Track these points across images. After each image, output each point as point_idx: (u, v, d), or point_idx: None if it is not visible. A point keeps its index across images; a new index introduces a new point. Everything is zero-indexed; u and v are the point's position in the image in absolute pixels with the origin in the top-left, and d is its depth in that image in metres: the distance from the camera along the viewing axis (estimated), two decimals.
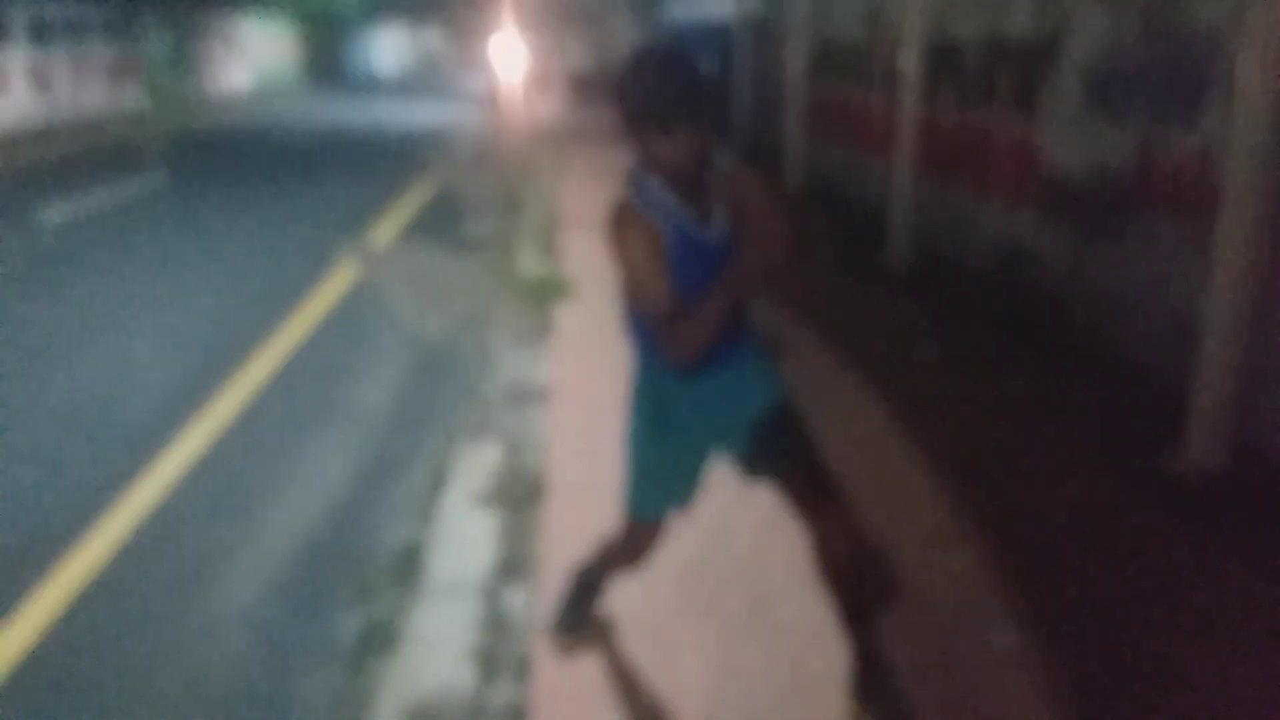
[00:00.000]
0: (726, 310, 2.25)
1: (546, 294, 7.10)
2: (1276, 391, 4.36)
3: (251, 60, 31.95)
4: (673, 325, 2.28)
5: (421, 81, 44.70)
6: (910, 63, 7.92)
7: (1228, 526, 3.81)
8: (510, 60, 18.72)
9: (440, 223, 10.44)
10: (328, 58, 40.95)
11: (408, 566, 3.64)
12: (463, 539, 3.72)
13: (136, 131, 19.80)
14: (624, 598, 3.18)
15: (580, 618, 3.05)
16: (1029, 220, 6.85)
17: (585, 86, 35.56)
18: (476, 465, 4.35)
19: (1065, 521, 3.90)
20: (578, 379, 5.46)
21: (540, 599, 3.28)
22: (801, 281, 7.80)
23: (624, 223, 2.31)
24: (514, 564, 3.51)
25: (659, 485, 2.65)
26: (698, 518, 2.89)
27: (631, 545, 2.79)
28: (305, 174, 14.25)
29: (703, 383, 2.48)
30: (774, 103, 14.62)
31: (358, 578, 3.65)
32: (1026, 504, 4.05)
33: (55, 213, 10.74)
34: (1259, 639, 3.15)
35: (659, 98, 2.18)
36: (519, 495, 4.01)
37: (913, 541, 3.71)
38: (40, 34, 18.84)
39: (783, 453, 2.55)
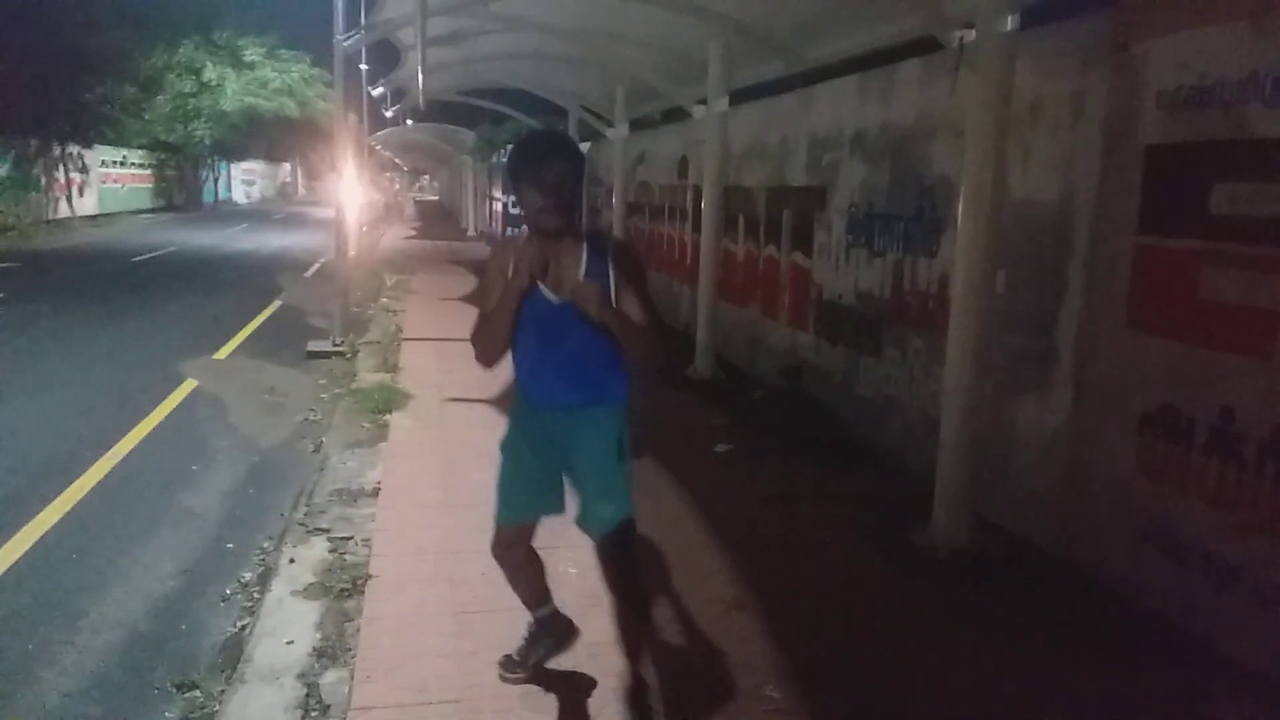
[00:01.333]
0: (505, 312, 2.73)
1: (383, 403, 7.08)
2: (1010, 475, 4.83)
3: (101, 185, 30.68)
4: (477, 321, 2.84)
5: (276, 210, 43.90)
6: (710, 205, 8.49)
7: (962, 592, 4.18)
8: (358, 192, 18.77)
9: (286, 339, 10.26)
10: (183, 186, 39.77)
11: (230, 657, 3.55)
12: (285, 629, 3.65)
13: None
14: None
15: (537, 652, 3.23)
16: (808, 339, 7.38)
17: (433, 216, 35.65)
18: (303, 561, 4.29)
19: (828, 590, 4.19)
20: (406, 480, 5.47)
21: (357, 680, 3.26)
22: None
23: (494, 250, 2.94)
24: (331, 650, 3.47)
25: (509, 493, 2.96)
26: None
27: (500, 546, 3.02)
28: (150, 295, 13.72)
29: (538, 412, 2.88)
30: None
31: (180, 670, 3.52)
32: (797, 577, 4.33)
33: None
34: (978, 683, 3.46)
35: (523, 161, 2.68)
36: (341, 587, 3.98)
37: (701, 608, 3.89)
38: None
39: (604, 534, 2.91)
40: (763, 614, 3.89)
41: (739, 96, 8.78)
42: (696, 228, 9.30)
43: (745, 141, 8.77)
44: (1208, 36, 3.68)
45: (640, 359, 2.79)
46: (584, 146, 16.91)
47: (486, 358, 2.84)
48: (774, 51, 8.05)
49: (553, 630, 3.21)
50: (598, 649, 3.42)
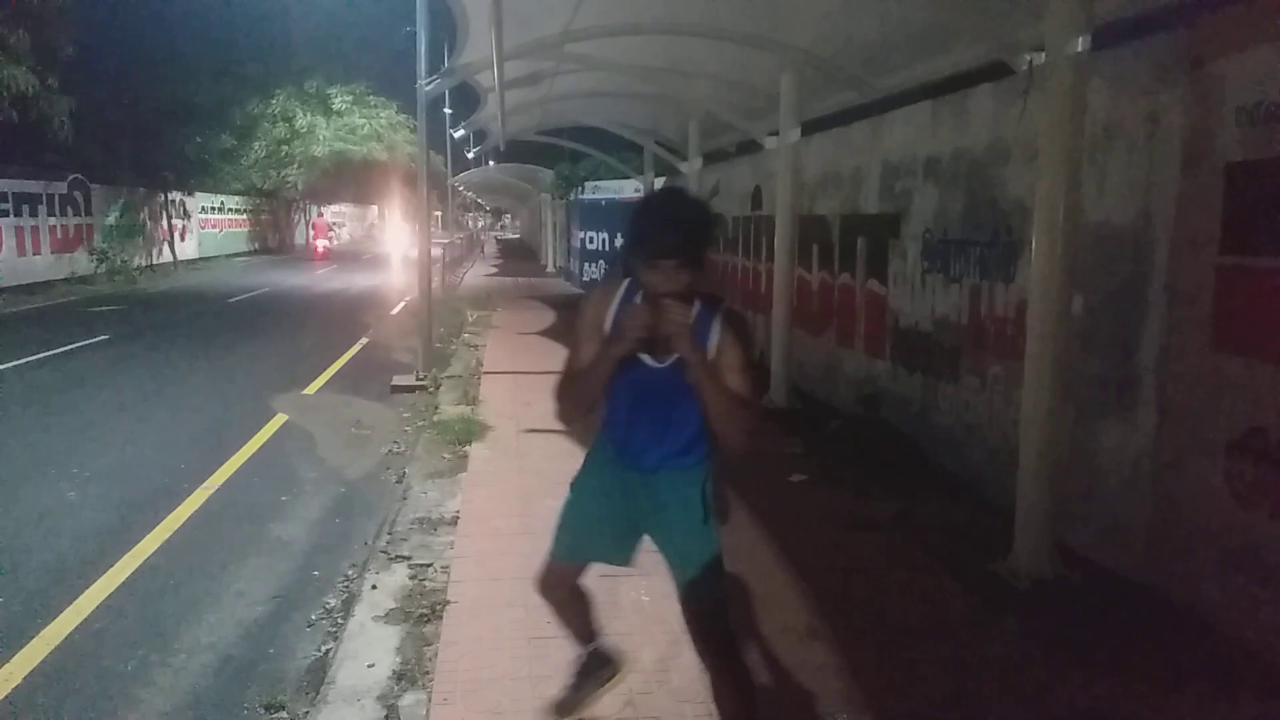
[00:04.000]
0: (600, 378, 2.49)
1: (463, 434, 7.24)
2: (1093, 503, 4.70)
3: (200, 230, 32.15)
4: (564, 381, 2.60)
5: (363, 251, 45.25)
6: (783, 234, 8.50)
7: (1044, 622, 4.07)
8: (441, 232, 19.30)
9: (372, 374, 10.57)
10: (276, 230, 41.36)
11: (315, 679, 3.66)
12: (367, 653, 3.76)
13: (81, 295, 19.71)
14: None
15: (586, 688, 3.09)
16: (885, 366, 7.31)
17: (514, 253, 36.28)
18: (385, 587, 4.41)
19: (906, 620, 4.12)
20: (485, 509, 5.58)
21: (435, 702, 3.34)
22: None
23: (588, 298, 2.68)
24: (411, 673, 3.57)
25: (570, 531, 2.79)
26: None
27: (546, 582, 2.88)
28: (244, 334, 14.29)
29: (620, 468, 2.68)
30: None
31: (269, 691, 3.65)
32: (874, 606, 4.27)
33: None
34: (1061, 717, 3.36)
35: (651, 234, 2.41)
36: (421, 612, 4.08)
37: (776, 637, 3.87)
38: None
39: (692, 596, 2.65)
40: (838, 643, 3.85)
41: (810, 127, 8.82)
42: (770, 258, 9.31)
43: (817, 171, 8.78)
44: None
45: (729, 437, 2.53)
46: (658, 181, 17.10)
47: (568, 417, 2.64)
48: (845, 81, 8.08)
49: (600, 665, 3.09)
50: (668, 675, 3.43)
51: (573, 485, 2.83)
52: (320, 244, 36.61)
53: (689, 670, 3.51)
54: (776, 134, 8.74)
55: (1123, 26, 4.61)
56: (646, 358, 2.51)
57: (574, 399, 2.59)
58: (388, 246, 47.49)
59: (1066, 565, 4.47)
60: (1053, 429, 4.47)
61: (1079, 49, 4.20)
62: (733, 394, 2.46)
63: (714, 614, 2.67)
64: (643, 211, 2.47)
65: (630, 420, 2.63)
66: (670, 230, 2.39)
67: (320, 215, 40.72)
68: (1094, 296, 4.68)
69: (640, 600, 4.08)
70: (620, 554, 2.80)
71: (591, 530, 2.77)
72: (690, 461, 2.66)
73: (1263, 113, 3.70)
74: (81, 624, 4.23)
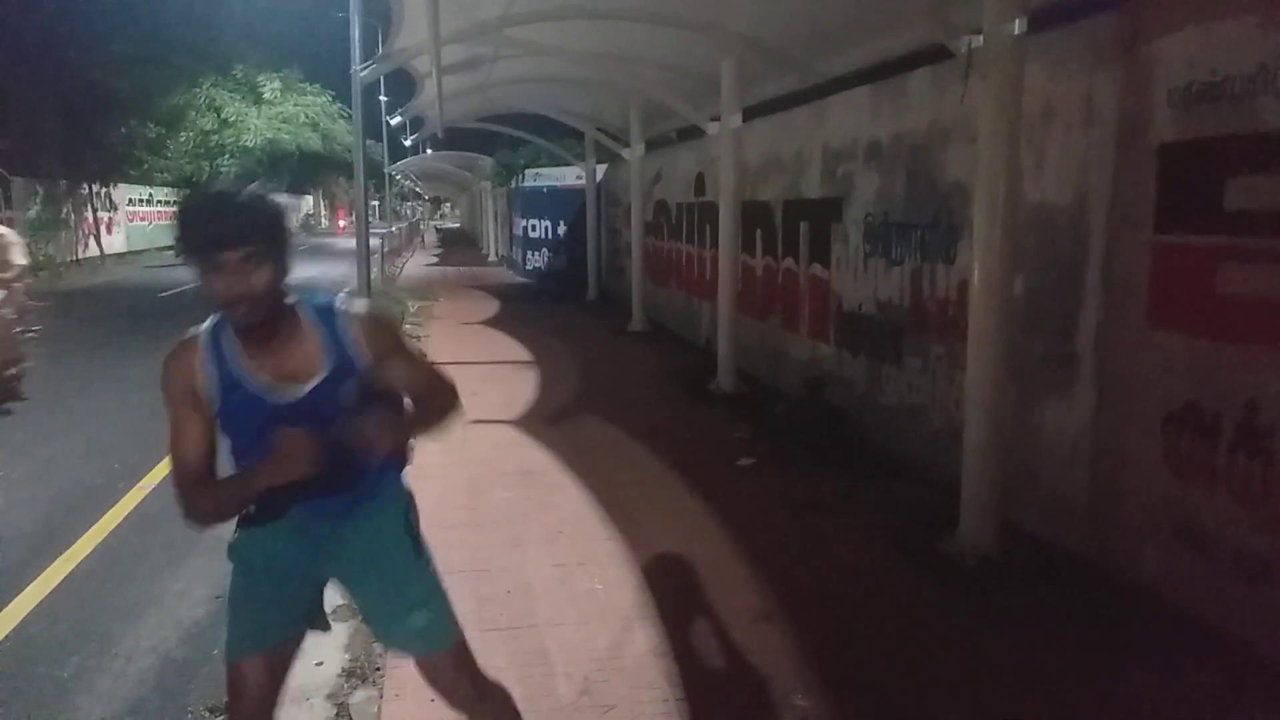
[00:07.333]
0: (252, 497, 2.09)
1: None
2: (1037, 480, 4.80)
3: (129, 223, 31.24)
4: (186, 483, 2.10)
5: (299, 242, 44.30)
6: (727, 220, 8.52)
7: (991, 599, 4.16)
8: (380, 223, 19.02)
9: None
10: None
11: None
12: (314, 651, 3.68)
13: None
14: None
15: None
16: (829, 350, 7.39)
17: (454, 242, 35.86)
18: (331, 583, 4.32)
19: (856, 599, 4.18)
20: (432, 501, 5.47)
21: (386, 698, 3.29)
22: (641, 405, 8.11)
23: (167, 361, 2.18)
24: (360, 670, 3.53)
25: (246, 615, 2.25)
26: None
27: (236, 697, 2.19)
28: (177, 330, 13.86)
29: (292, 524, 2.23)
30: (621, 255, 15.32)
31: (213, 693, 3.56)
32: (824, 586, 4.32)
33: None
34: (1008, 689, 3.43)
35: (193, 232, 1.94)
36: None
37: (728, 619, 3.90)
38: None
39: (428, 644, 2.32)
40: (790, 624, 3.89)
41: (752, 112, 8.84)
42: (714, 244, 9.34)
43: (760, 156, 8.82)
44: (1217, 31, 3.69)
45: (445, 424, 2.28)
46: (600, 168, 17.03)
47: (206, 524, 2.12)
48: (786, 66, 8.11)
49: None
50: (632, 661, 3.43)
51: (231, 554, 2.28)
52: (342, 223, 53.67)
53: (643, 656, 3.53)
54: (719, 119, 8.75)
55: (1059, 9, 4.69)
56: (268, 396, 2.08)
57: (211, 513, 2.10)
58: (323, 237, 46.42)
59: (1012, 542, 4.56)
60: (996, 408, 4.55)
61: (1016, 31, 4.26)
62: (435, 401, 2.27)
63: (460, 659, 2.32)
64: (184, 212, 1.98)
65: None
66: (222, 214, 1.92)
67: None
68: (1034, 276, 4.77)
69: (594, 589, 4.07)
70: (314, 615, 2.36)
71: (273, 603, 2.24)
72: (383, 493, 2.29)
73: (1194, 93, 3.79)
74: (13, 631, 4.08)
